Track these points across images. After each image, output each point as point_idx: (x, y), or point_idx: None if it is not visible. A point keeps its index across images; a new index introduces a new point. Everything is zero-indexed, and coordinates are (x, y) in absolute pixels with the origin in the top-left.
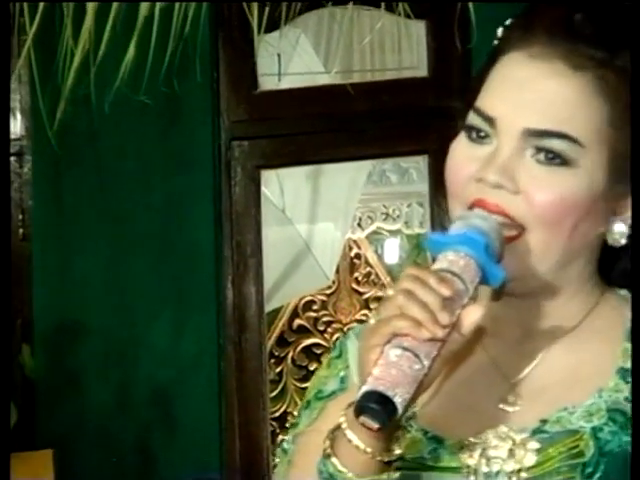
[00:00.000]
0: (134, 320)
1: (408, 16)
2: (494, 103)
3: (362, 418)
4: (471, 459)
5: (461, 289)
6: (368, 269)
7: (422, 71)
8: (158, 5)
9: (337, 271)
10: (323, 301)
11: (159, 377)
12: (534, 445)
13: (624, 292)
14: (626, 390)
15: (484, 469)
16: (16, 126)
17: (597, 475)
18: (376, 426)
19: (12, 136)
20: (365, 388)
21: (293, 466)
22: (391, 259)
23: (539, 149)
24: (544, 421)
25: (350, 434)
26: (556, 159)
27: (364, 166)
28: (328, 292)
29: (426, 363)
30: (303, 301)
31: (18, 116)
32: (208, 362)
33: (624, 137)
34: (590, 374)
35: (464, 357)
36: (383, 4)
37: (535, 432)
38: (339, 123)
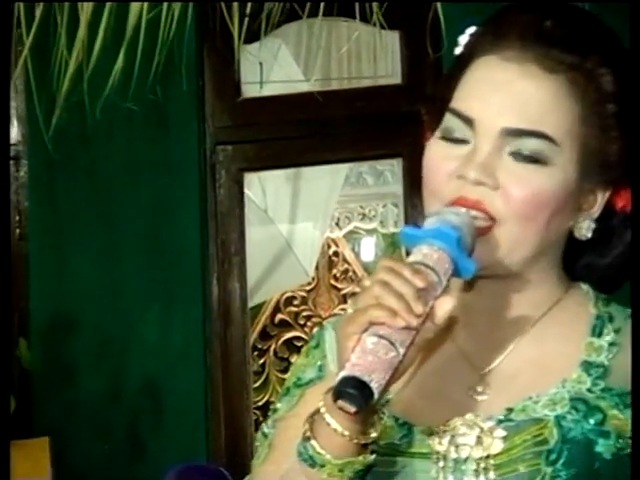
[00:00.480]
0: (125, 315)
1: (382, 27)
2: (472, 104)
3: (340, 402)
4: (440, 445)
5: (435, 281)
6: (346, 266)
7: (396, 79)
8: (145, 16)
9: (316, 268)
10: (303, 297)
11: (148, 369)
12: (500, 433)
13: (586, 287)
14: (588, 382)
15: (453, 455)
16: (13, 132)
17: (561, 461)
18: (353, 410)
19: None
20: (343, 374)
21: (274, 449)
22: (367, 257)
23: (516, 147)
24: (510, 409)
25: (329, 418)
26: (532, 157)
27: (342, 169)
28: (308, 288)
29: (401, 350)
30: (284, 297)
31: (15, 123)
32: (195, 355)
33: (593, 136)
34: (555, 365)
35: (436, 347)
36: (358, 15)
37: (501, 420)
38: (318, 128)
